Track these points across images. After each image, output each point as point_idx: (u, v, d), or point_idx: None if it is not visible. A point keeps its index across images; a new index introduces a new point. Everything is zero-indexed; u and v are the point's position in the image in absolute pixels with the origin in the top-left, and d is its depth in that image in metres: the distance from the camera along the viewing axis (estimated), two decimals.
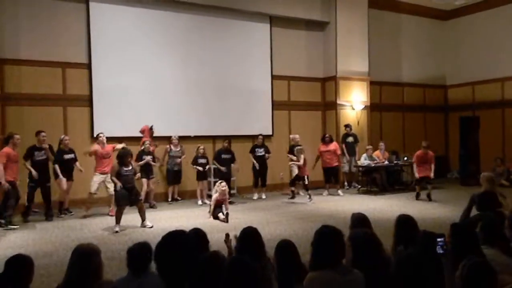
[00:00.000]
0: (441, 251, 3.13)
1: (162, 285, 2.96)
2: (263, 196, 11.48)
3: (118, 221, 7.80)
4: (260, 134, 11.70)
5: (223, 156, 10.75)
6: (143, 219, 8.06)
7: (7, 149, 8.11)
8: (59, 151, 9.22)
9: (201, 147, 10.76)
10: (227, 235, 4.22)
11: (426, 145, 11.07)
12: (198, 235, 3.53)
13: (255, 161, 11.30)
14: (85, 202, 9.34)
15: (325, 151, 11.77)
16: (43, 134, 8.76)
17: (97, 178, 9.19)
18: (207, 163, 10.81)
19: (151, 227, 7.92)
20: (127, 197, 7.84)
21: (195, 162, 10.65)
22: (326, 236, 2.91)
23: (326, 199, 11.14)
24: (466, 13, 15.77)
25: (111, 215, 8.70)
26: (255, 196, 11.41)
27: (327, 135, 12.06)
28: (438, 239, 3.16)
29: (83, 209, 9.27)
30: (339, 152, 12.00)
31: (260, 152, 11.40)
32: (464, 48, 15.87)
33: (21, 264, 2.95)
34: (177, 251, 3.02)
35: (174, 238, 3.16)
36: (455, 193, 11.76)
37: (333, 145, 11.88)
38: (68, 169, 9.26)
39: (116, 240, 7.11)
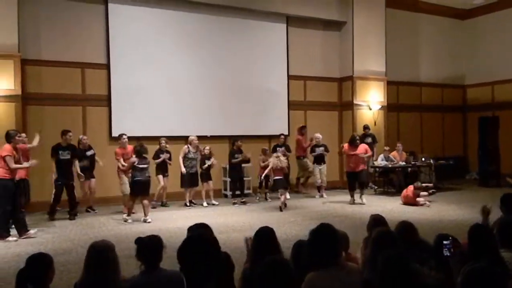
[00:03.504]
0: (448, 254, 3.08)
1: (179, 279, 2.96)
2: (287, 196, 11.35)
3: (129, 212, 8.49)
4: (282, 134, 11.76)
5: (236, 156, 10.72)
6: (145, 214, 8.51)
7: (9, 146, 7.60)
8: (78, 150, 9.35)
9: (207, 147, 10.64)
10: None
11: None
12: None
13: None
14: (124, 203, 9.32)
15: (352, 154, 10.51)
16: (70, 134, 8.99)
17: (124, 179, 9.33)
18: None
19: (149, 222, 8.35)
20: (139, 188, 8.42)
21: (202, 163, 10.55)
22: (320, 234, 2.92)
23: (342, 199, 11.02)
24: (484, 12, 15.54)
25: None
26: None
27: (357, 137, 10.86)
28: (445, 242, 3.11)
29: (123, 211, 9.09)
30: (370, 152, 11.07)
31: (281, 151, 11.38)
32: (483, 47, 15.63)
33: (41, 262, 3.01)
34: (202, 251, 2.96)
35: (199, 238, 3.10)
36: (473, 195, 11.61)
37: (363, 148, 10.72)
38: (91, 166, 9.48)
39: (134, 238, 7.14)
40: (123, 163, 9.21)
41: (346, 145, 10.75)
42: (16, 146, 7.45)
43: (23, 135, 8.37)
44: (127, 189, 9.05)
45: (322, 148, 11.54)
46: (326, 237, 2.88)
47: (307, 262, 2.91)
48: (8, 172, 7.20)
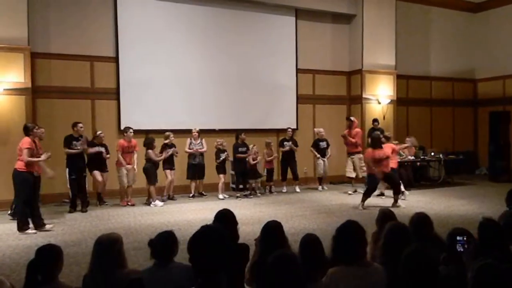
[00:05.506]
0: (461, 249, 3.07)
1: (190, 274, 2.96)
2: (297, 190, 11.47)
3: (152, 197, 9.59)
4: (289, 128, 11.72)
5: (240, 149, 10.77)
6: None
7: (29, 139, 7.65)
8: (91, 143, 9.41)
9: (220, 141, 10.74)
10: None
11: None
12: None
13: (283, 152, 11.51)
14: (121, 195, 9.71)
15: (382, 159, 8.99)
16: (80, 125, 9.08)
17: (123, 172, 9.54)
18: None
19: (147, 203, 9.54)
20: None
21: (217, 156, 10.65)
22: (348, 231, 2.93)
23: (353, 195, 10.96)
24: (496, 6, 15.34)
25: (131, 204, 9.61)
26: (284, 189, 11.46)
27: (380, 136, 9.46)
28: (458, 237, 3.10)
29: (120, 201, 9.66)
30: (398, 148, 10.45)
31: (288, 145, 11.44)
32: (494, 41, 15.44)
33: (50, 254, 3.04)
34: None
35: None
36: (483, 190, 11.53)
37: (389, 148, 9.62)
38: (100, 161, 9.47)
39: (143, 230, 7.23)
40: (120, 157, 9.55)
41: (370, 151, 9.09)
42: (34, 140, 7.45)
43: (42, 129, 8.25)
44: (123, 181, 9.58)
45: (325, 143, 11.78)
46: (352, 234, 2.90)
47: (330, 257, 2.90)
48: (26, 165, 7.20)
